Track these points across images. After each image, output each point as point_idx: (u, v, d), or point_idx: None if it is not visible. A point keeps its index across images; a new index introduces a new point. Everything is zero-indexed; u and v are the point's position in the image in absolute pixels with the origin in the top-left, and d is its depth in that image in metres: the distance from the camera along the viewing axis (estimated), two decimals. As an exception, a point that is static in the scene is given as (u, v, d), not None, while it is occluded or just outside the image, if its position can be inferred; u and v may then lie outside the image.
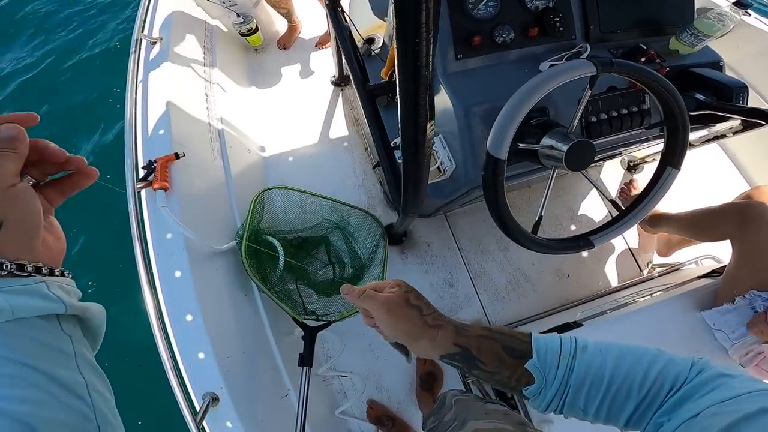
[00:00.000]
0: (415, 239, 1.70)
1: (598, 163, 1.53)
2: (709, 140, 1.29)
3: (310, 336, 1.28)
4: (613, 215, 0.94)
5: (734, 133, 1.19)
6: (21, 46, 3.68)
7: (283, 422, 1.20)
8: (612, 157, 1.22)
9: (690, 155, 1.72)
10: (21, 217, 0.31)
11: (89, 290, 2.40)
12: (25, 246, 0.32)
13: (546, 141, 0.85)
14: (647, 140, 1.09)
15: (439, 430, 0.85)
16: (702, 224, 1.32)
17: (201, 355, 1.06)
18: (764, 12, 1.68)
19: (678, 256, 1.62)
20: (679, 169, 0.86)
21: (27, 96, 3.32)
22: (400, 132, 0.65)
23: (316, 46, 2.16)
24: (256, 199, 1.38)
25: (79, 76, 3.37)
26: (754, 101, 1.43)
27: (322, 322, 1.31)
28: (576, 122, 0.83)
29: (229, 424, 1.01)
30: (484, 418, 0.72)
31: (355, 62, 1.20)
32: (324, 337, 1.59)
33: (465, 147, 1.00)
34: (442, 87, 1.02)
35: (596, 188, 0.90)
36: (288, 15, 2.03)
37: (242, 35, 1.94)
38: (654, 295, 1.26)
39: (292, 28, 2.13)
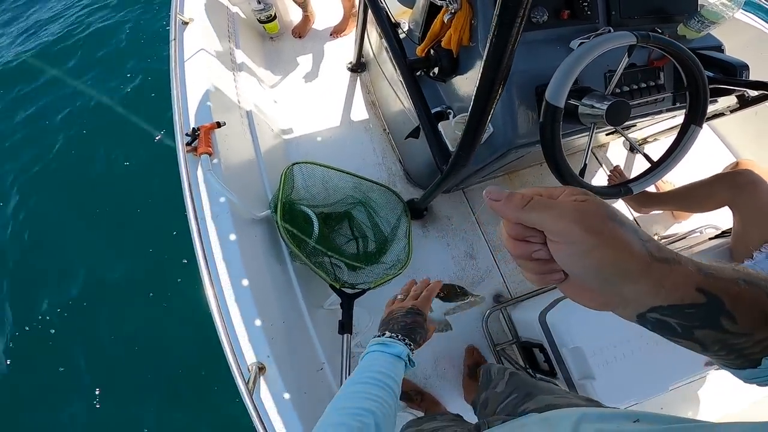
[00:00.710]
0: (435, 214, 1.80)
1: (609, 139, 1.67)
2: (709, 118, 1.47)
3: (348, 303, 1.34)
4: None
5: (731, 111, 1.37)
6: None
7: (322, 395, 1.24)
8: (628, 127, 1.38)
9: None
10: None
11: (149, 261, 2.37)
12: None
13: (586, 101, 0.98)
14: (660, 112, 1.24)
15: (491, 403, 0.86)
16: (697, 196, 1.46)
17: (249, 324, 1.08)
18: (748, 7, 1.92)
19: (677, 228, 1.80)
20: (701, 127, 1.01)
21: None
22: (480, 76, 0.76)
23: (331, 35, 2.26)
24: (286, 172, 1.44)
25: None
26: None
27: (358, 290, 1.38)
28: (613, 86, 0.98)
29: (276, 393, 1.03)
30: (554, 394, 0.74)
31: (394, 39, 1.31)
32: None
33: (504, 112, 1.11)
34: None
35: (631, 143, 1.04)
36: (304, 5, 2.13)
37: (260, 22, 2.02)
38: None
39: (307, 18, 2.22)
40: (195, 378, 2.01)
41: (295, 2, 2.10)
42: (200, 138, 1.23)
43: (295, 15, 2.30)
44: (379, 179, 1.82)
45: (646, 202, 1.70)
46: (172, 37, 1.43)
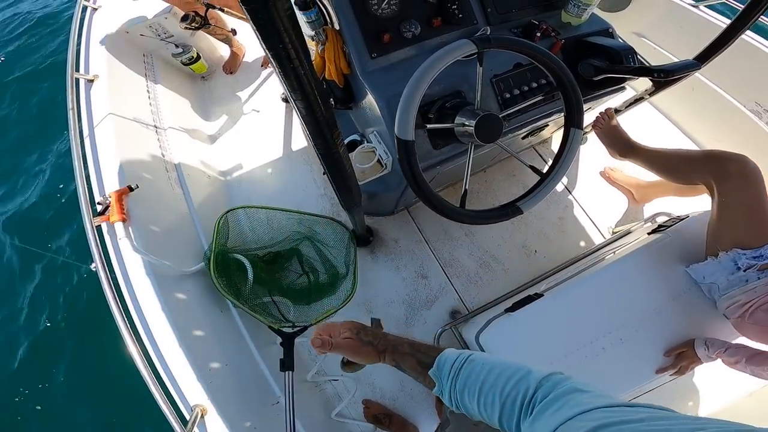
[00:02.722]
0: (382, 238, 1.82)
1: (549, 132, 1.65)
2: (631, 104, 1.44)
3: (288, 342, 1.38)
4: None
5: (650, 95, 1.35)
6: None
7: (277, 429, 1.28)
8: (540, 129, 1.35)
9: (636, 122, 1.89)
10: None
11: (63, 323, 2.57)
12: None
13: (458, 120, 0.97)
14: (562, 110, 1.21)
15: None
16: (677, 166, 1.34)
17: (182, 372, 1.15)
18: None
19: (634, 214, 1.78)
20: (581, 129, 0.99)
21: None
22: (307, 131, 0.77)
23: (261, 66, 2.29)
24: (219, 221, 1.48)
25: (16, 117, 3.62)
26: (664, 60, 1.56)
27: (297, 328, 1.42)
28: (479, 98, 0.96)
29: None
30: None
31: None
32: (308, 343, 1.69)
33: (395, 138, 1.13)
34: (366, 88, 1.14)
35: (514, 155, 1.03)
36: (227, 40, 2.16)
37: (185, 65, 2.07)
38: (617, 252, 1.38)
39: (235, 53, 2.26)
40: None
41: (218, 39, 2.14)
42: (111, 205, 1.27)
43: (224, 51, 2.34)
44: (323, 210, 1.86)
45: (627, 151, 1.53)
46: (69, 105, 1.41)
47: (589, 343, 1.17)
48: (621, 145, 1.52)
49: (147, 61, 1.99)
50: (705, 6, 1.71)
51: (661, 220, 1.50)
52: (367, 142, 1.32)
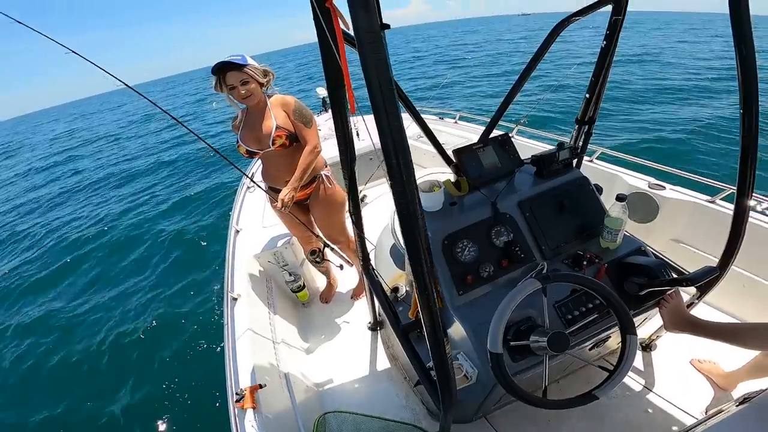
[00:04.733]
0: (460, 444, 1.85)
1: (604, 348, 1.82)
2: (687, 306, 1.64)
3: None
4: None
5: (698, 299, 1.57)
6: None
7: None
8: (604, 340, 1.57)
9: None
10: None
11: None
12: None
13: (532, 338, 1.27)
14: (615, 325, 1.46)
15: None
16: (749, 331, 1.26)
17: None
18: (676, 182, 2.15)
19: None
20: (636, 335, 1.22)
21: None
22: (427, 338, 1.07)
23: (351, 298, 2.80)
24: (318, 420, 1.71)
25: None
26: (705, 262, 1.51)
27: None
28: (548, 321, 1.27)
29: None
30: None
31: (390, 309, 1.72)
32: None
33: (481, 356, 1.37)
34: (455, 318, 1.45)
35: (580, 360, 1.25)
36: (326, 273, 2.78)
37: (293, 291, 2.60)
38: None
39: (331, 285, 2.83)
40: None
41: (320, 271, 2.76)
42: (246, 396, 1.60)
43: (320, 282, 2.94)
44: (404, 419, 1.98)
45: (688, 325, 1.43)
46: (225, 321, 1.92)
47: None
48: (682, 320, 1.47)
49: (268, 285, 2.54)
50: (720, 200, 1.88)
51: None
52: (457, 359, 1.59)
